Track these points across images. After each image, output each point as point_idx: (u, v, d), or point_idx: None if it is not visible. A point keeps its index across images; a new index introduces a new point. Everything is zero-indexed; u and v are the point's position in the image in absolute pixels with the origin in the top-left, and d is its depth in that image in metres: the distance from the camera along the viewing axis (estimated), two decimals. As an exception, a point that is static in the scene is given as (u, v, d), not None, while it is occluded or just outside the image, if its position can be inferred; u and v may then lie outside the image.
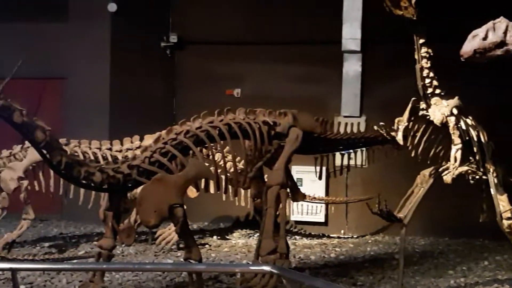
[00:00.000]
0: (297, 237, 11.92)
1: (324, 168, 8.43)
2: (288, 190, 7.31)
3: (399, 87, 11.14)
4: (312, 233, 12.24)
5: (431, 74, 7.29)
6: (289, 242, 7.47)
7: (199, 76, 13.33)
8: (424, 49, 7.21)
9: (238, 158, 7.85)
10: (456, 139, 7.35)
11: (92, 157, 9.27)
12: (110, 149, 9.75)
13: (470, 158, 7.54)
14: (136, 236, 10.41)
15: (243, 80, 13.20)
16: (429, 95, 7.35)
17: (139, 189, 6.63)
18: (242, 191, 10.05)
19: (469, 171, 7.52)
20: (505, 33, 6.17)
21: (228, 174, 7.53)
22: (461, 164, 7.40)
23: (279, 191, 7.02)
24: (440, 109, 7.36)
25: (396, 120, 7.52)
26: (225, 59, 13.23)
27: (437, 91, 7.37)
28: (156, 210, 6.28)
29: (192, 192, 8.93)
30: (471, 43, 6.20)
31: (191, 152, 6.81)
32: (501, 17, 6.27)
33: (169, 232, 10.01)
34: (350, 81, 12.53)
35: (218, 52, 13.30)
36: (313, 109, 9.73)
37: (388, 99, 11.58)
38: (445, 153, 7.66)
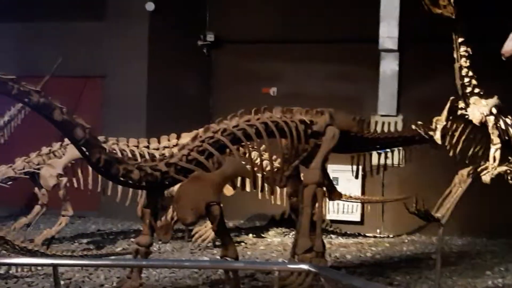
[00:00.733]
0: (333, 236, 11.90)
1: (360, 167, 8.40)
2: (325, 189, 7.30)
3: (437, 86, 11.06)
4: (348, 232, 12.20)
5: (470, 73, 7.23)
6: (325, 241, 7.46)
7: (235, 74, 13.37)
8: (463, 48, 7.15)
9: (274, 157, 7.86)
10: (495, 138, 7.27)
11: (129, 155, 9.35)
12: (147, 147, 9.83)
13: (510, 158, 7.46)
14: (173, 233, 10.47)
15: (279, 79, 13.20)
16: (468, 94, 7.29)
17: (175, 187, 6.68)
18: (278, 189, 10.05)
19: (508, 171, 7.44)
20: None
21: (265, 173, 7.54)
22: (500, 164, 7.33)
23: (316, 190, 7.01)
24: (479, 109, 7.29)
25: (434, 119, 7.46)
26: (261, 57, 13.24)
27: (476, 90, 7.30)
28: (193, 208, 6.31)
29: (228, 190, 8.96)
30: (512, 42, 6.14)
31: (228, 150, 6.84)
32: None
33: (205, 230, 10.07)
34: (387, 80, 12.45)
35: (254, 51, 13.32)
36: (349, 108, 9.68)
37: (426, 98, 11.50)
38: (483, 152, 7.59)
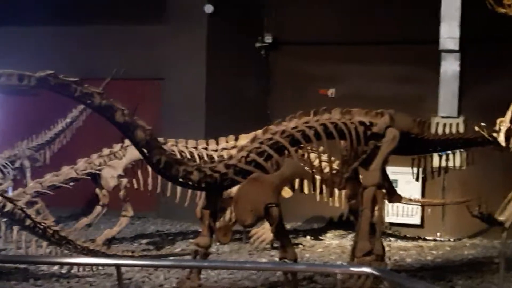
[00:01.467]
0: (392, 239, 11.75)
1: (420, 170, 8.28)
2: (384, 191, 7.22)
3: (500, 86, 10.83)
4: (407, 235, 12.04)
5: (535, 74, 7.06)
6: (384, 243, 7.37)
7: (293, 76, 13.34)
8: (527, 48, 6.99)
9: (333, 159, 7.80)
10: (561, 140, 7.09)
11: (188, 156, 9.42)
12: (206, 148, 9.89)
13: None
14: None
15: (337, 80, 13.12)
16: (533, 94, 7.12)
17: (234, 189, 6.70)
18: (336, 191, 9.98)
19: None
20: None
21: (323, 175, 7.49)
22: None
23: (375, 192, 6.95)
24: (545, 109, 7.12)
25: (498, 121, 7.32)
26: (319, 59, 13.18)
27: (542, 90, 7.13)
28: (252, 209, 6.32)
29: (286, 192, 8.93)
30: None
31: (286, 152, 6.82)
32: None
33: (263, 231, 10.06)
34: (448, 80, 12.24)
35: (312, 53, 13.27)
36: (409, 109, 9.53)
37: (488, 99, 11.27)
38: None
